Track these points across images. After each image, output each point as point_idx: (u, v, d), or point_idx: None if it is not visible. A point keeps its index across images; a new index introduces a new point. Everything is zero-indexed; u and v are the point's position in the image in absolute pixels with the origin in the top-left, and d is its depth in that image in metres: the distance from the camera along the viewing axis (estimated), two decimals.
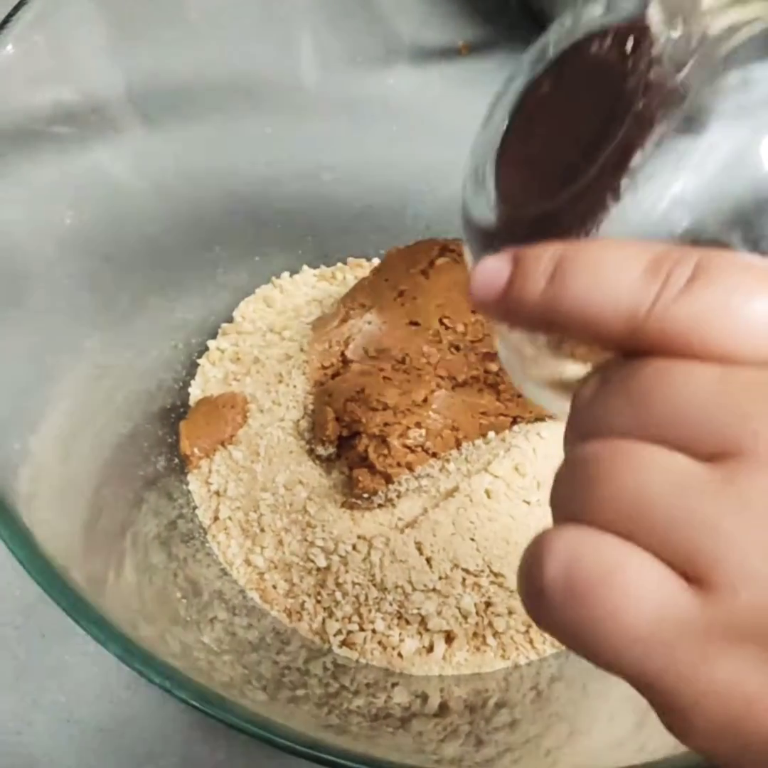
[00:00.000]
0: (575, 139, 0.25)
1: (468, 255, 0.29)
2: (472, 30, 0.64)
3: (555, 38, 0.28)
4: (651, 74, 0.24)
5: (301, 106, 0.59)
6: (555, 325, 0.21)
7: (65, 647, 0.48)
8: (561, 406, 0.28)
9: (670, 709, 0.19)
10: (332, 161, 0.59)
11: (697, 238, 0.22)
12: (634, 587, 0.18)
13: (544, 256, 0.21)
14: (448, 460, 0.45)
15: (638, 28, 0.25)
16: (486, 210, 0.28)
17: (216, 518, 0.46)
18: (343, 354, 0.46)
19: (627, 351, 0.20)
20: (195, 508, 0.47)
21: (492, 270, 0.22)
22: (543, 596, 0.19)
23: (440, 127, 0.61)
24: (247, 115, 0.58)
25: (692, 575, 0.18)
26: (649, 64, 0.24)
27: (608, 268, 0.20)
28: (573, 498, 0.20)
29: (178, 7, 0.53)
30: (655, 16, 0.25)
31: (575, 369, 0.24)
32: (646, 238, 0.22)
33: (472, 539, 0.45)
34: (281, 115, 0.58)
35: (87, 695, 0.47)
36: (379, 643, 0.44)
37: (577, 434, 0.21)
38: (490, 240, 0.27)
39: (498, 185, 0.27)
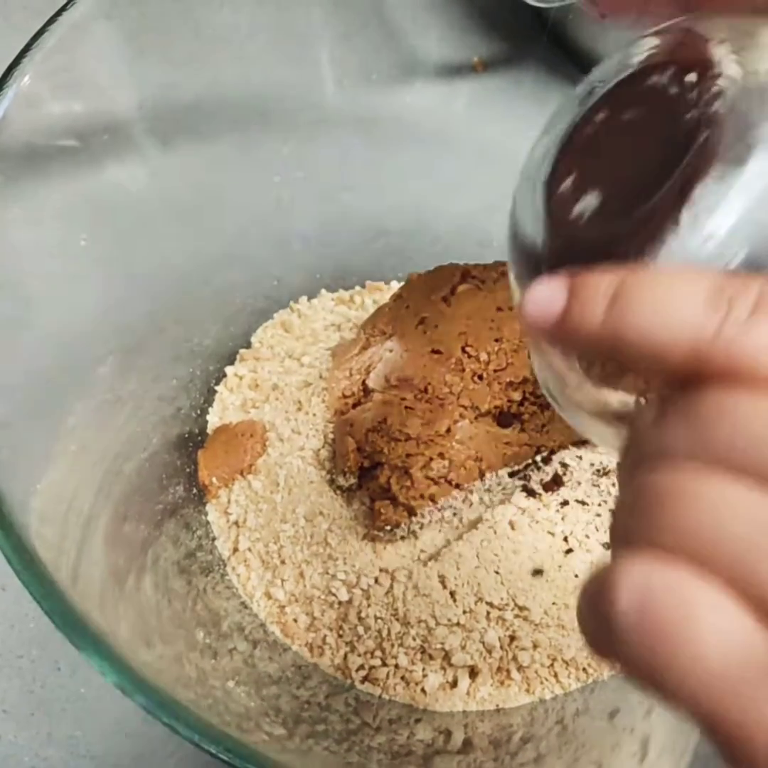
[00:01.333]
0: (632, 167, 0.25)
1: (514, 276, 0.28)
2: (488, 47, 0.63)
3: (607, 72, 0.28)
4: (714, 107, 0.23)
5: (316, 124, 0.58)
6: (614, 352, 0.21)
7: (81, 679, 0.47)
8: (601, 433, 0.27)
9: (739, 752, 0.18)
10: (349, 181, 0.59)
11: (753, 269, 0.22)
12: (711, 626, 0.18)
13: (603, 282, 0.21)
14: (471, 492, 0.45)
15: (700, 61, 0.24)
16: (536, 232, 0.27)
17: (235, 549, 0.46)
18: (364, 383, 0.46)
19: (686, 378, 0.20)
20: (214, 539, 0.47)
21: (547, 294, 0.22)
22: (611, 628, 0.18)
23: (457, 144, 0.61)
24: (262, 134, 0.57)
25: None
26: (712, 98, 0.24)
27: (670, 297, 0.20)
28: (640, 528, 0.19)
29: (192, 25, 0.53)
30: (716, 49, 0.25)
31: (622, 397, 0.24)
32: (703, 268, 0.22)
33: (497, 572, 0.44)
34: (297, 134, 0.58)
35: (103, 729, 0.46)
36: (402, 678, 0.43)
37: (637, 462, 0.20)
38: (540, 263, 0.27)
39: (550, 209, 0.27)
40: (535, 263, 0.27)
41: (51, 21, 0.42)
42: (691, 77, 0.25)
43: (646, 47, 0.27)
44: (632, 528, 0.20)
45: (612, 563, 0.19)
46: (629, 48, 0.28)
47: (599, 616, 0.19)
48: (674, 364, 0.20)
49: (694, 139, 0.23)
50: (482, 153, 0.60)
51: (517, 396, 0.45)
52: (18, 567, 0.31)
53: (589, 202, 0.26)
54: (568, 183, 0.27)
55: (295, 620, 0.44)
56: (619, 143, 0.26)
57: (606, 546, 0.46)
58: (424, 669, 0.43)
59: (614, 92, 0.27)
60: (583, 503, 0.47)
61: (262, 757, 0.30)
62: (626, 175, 0.25)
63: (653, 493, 0.19)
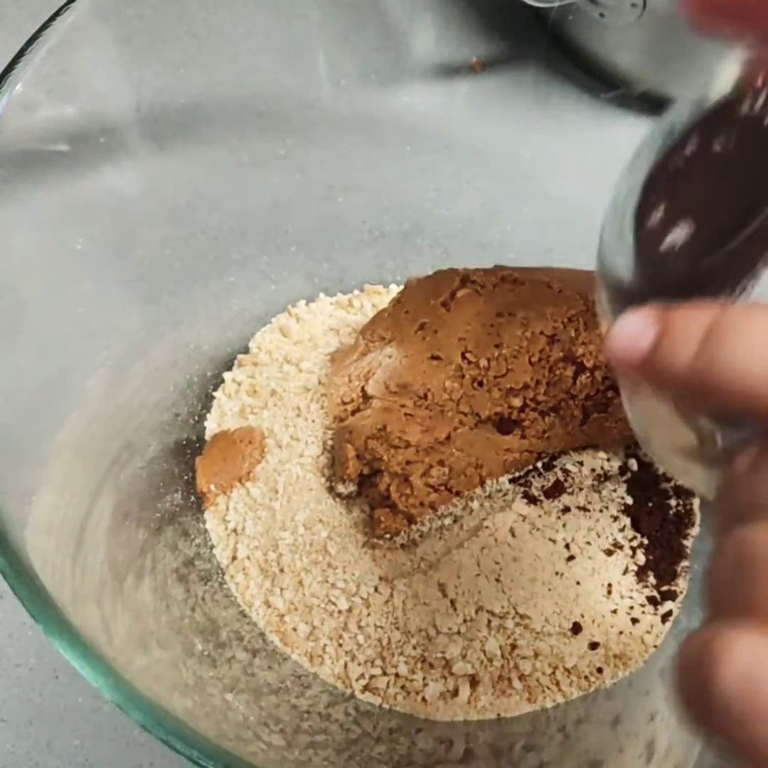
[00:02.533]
0: (724, 198, 0.25)
1: (603, 306, 0.28)
2: (486, 47, 0.63)
3: (688, 107, 0.27)
4: None
5: (314, 125, 0.58)
6: (705, 394, 0.20)
7: (79, 688, 0.47)
8: (694, 476, 0.26)
9: None
10: (346, 182, 0.58)
11: None
12: None
13: (695, 319, 0.20)
14: (471, 499, 0.44)
15: None
16: (626, 264, 0.26)
17: (234, 558, 0.45)
18: (363, 389, 0.45)
19: None
20: (212, 547, 0.46)
21: (635, 328, 0.21)
22: (712, 703, 0.18)
23: (456, 144, 0.60)
24: (259, 136, 0.57)
25: None
26: None
27: (764, 337, 0.19)
28: (741, 594, 0.18)
29: (188, 27, 0.52)
30: None
31: (715, 437, 0.23)
32: None
33: (497, 580, 0.44)
34: (294, 135, 0.57)
35: (102, 738, 0.46)
36: (403, 687, 0.43)
37: (732, 511, 0.20)
38: (629, 295, 0.26)
39: (639, 240, 0.26)
40: (625, 295, 0.26)
41: (46, 24, 0.42)
42: None
43: (730, 79, 0.26)
44: (731, 592, 0.19)
45: (715, 632, 0.18)
46: (709, 83, 0.27)
47: (699, 686, 0.18)
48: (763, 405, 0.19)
49: None
50: (481, 153, 0.60)
51: (517, 402, 0.44)
52: (14, 582, 0.31)
53: (679, 234, 0.25)
54: (657, 214, 0.26)
55: (295, 629, 0.43)
56: (709, 174, 0.26)
57: (607, 553, 0.46)
58: (424, 678, 0.43)
59: (703, 123, 0.26)
60: (584, 510, 0.47)
61: None
62: (718, 207, 0.25)
63: (752, 556, 0.18)
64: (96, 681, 0.30)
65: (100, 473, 0.44)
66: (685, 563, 0.47)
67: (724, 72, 0.26)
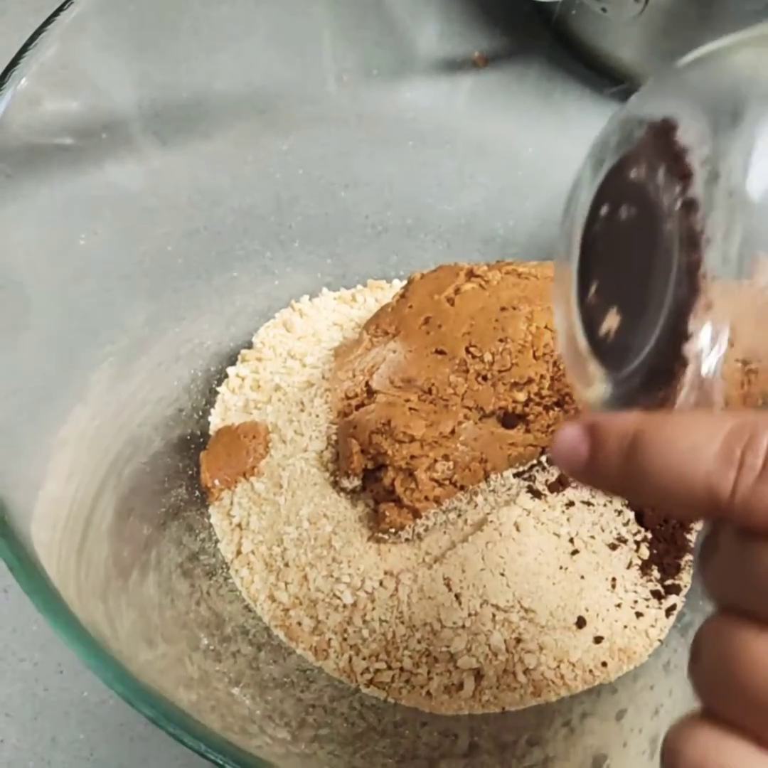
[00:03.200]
0: (636, 276, 0.25)
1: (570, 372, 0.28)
2: (489, 41, 0.63)
3: (607, 141, 0.27)
4: (686, 222, 0.23)
5: (317, 121, 0.58)
6: (636, 498, 0.22)
7: (84, 683, 0.47)
8: None
9: None
10: (348, 178, 0.58)
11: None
12: None
13: (618, 430, 0.21)
14: (476, 493, 0.44)
15: (672, 152, 0.23)
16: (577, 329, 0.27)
17: (239, 552, 0.45)
18: (367, 384, 0.45)
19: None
20: (217, 541, 0.46)
21: (571, 439, 0.22)
22: None
23: (459, 139, 0.60)
24: (262, 132, 0.57)
25: None
26: (685, 209, 0.23)
27: (682, 451, 0.20)
28: (707, 686, 0.20)
29: (191, 22, 0.52)
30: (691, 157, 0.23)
31: None
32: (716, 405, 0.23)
33: (502, 574, 0.44)
34: (297, 131, 0.57)
35: (106, 732, 0.46)
36: (407, 681, 0.43)
37: (708, 598, 0.21)
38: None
39: (583, 317, 0.27)
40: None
41: (49, 20, 0.42)
42: (662, 176, 0.24)
43: (633, 124, 0.26)
44: (704, 685, 0.20)
45: (680, 728, 0.20)
46: (622, 115, 0.27)
47: None
48: (697, 513, 0.21)
49: (672, 259, 0.23)
50: (484, 148, 0.60)
51: (521, 397, 0.44)
52: (20, 576, 0.31)
53: (610, 320, 0.26)
54: (592, 292, 0.26)
55: (300, 623, 0.43)
56: (621, 246, 0.26)
57: (611, 547, 0.46)
58: (429, 672, 0.43)
59: (609, 183, 0.26)
60: (588, 504, 0.47)
61: (267, 766, 0.30)
62: (633, 288, 0.25)
63: (711, 651, 0.20)
64: (104, 675, 0.30)
65: (104, 468, 0.44)
66: (688, 557, 0.47)
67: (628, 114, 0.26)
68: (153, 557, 0.44)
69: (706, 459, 0.20)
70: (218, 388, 0.51)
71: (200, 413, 0.50)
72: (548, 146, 0.59)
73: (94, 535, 0.41)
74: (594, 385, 0.26)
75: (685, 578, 0.47)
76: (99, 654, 0.30)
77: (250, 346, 0.52)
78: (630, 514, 0.47)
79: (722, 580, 0.20)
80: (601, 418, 0.22)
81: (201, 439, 0.49)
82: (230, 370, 0.51)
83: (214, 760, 0.30)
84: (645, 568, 0.46)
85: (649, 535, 0.47)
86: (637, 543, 0.47)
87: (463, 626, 0.43)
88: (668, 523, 0.48)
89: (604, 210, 0.26)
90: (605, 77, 0.59)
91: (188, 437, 0.49)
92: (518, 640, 0.43)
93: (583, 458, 0.22)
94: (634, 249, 0.25)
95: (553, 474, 0.47)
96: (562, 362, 0.44)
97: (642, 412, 0.22)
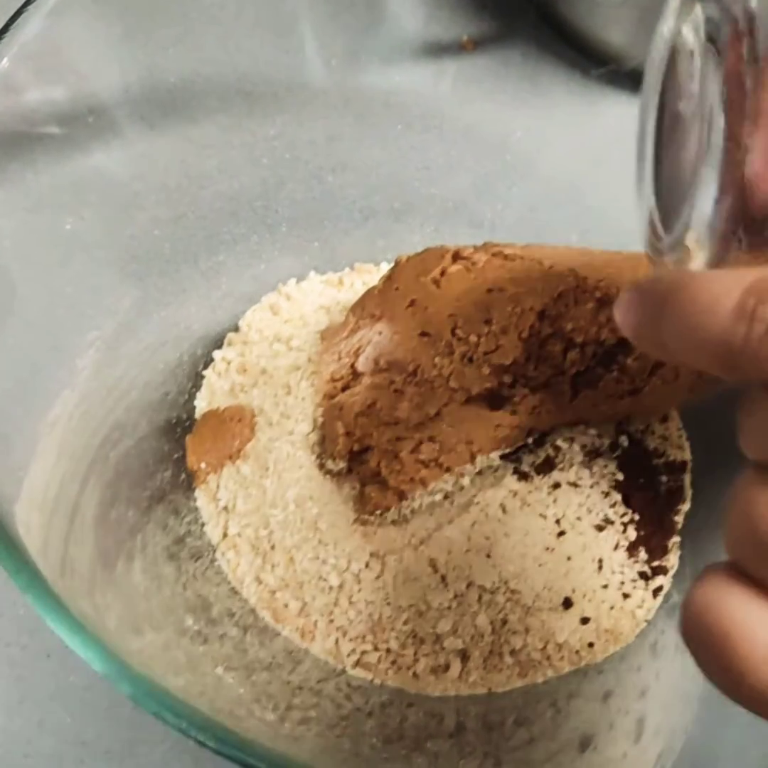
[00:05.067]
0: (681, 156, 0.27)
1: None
2: (477, 25, 0.63)
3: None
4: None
5: (304, 105, 0.58)
6: (671, 357, 0.23)
7: (70, 667, 0.47)
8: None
9: None
10: (336, 162, 0.58)
11: None
12: (752, 645, 0.19)
13: (654, 290, 0.22)
14: (462, 475, 0.44)
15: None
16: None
17: (225, 535, 0.45)
18: (353, 366, 0.45)
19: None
20: (203, 524, 0.46)
21: (625, 305, 0.24)
22: (686, 641, 0.21)
23: (446, 123, 0.60)
24: (249, 116, 0.56)
25: None
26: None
27: (702, 307, 0.21)
28: (734, 539, 0.21)
29: (177, 6, 0.52)
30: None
31: None
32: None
33: (488, 555, 0.44)
34: (284, 115, 0.57)
35: (94, 716, 0.46)
36: (394, 662, 0.43)
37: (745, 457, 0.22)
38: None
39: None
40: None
41: (29, 1, 0.42)
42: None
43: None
44: (731, 540, 0.21)
45: (704, 571, 0.21)
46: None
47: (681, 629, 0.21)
48: (717, 370, 0.21)
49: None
50: (472, 132, 0.60)
51: (507, 378, 0.44)
52: (2, 555, 0.31)
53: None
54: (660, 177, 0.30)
55: (286, 605, 0.43)
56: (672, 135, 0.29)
57: (598, 528, 0.46)
58: (415, 653, 0.43)
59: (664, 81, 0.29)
60: (574, 485, 0.47)
61: (251, 745, 0.30)
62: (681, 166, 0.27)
63: (744, 509, 0.21)
64: (85, 653, 0.30)
65: (91, 452, 0.44)
66: (675, 539, 0.47)
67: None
68: (138, 542, 0.44)
69: (722, 314, 0.20)
70: (204, 372, 0.51)
71: (186, 397, 0.50)
72: (536, 130, 0.59)
73: (81, 521, 0.41)
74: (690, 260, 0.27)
75: (672, 560, 0.47)
76: (79, 631, 0.30)
77: (236, 329, 0.52)
78: (617, 496, 0.47)
79: (754, 437, 0.21)
80: (645, 281, 0.23)
81: (187, 423, 0.49)
82: (216, 354, 0.51)
83: (195, 739, 0.30)
84: (632, 549, 0.46)
85: (637, 517, 0.47)
86: (624, 525, 0.47)
87: (449, 607, 0.43)
88: (655, 504, 0.48)
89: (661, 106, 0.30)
90: (593, 60, 0.59)
91: (174, 421, 0.49)
92: (504, 621, 0.43)
93: (632, 320, 0.23)
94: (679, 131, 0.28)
95: (540, 456, 0.47)
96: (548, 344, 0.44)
97: (677, 271, 0.23)
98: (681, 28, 0.28)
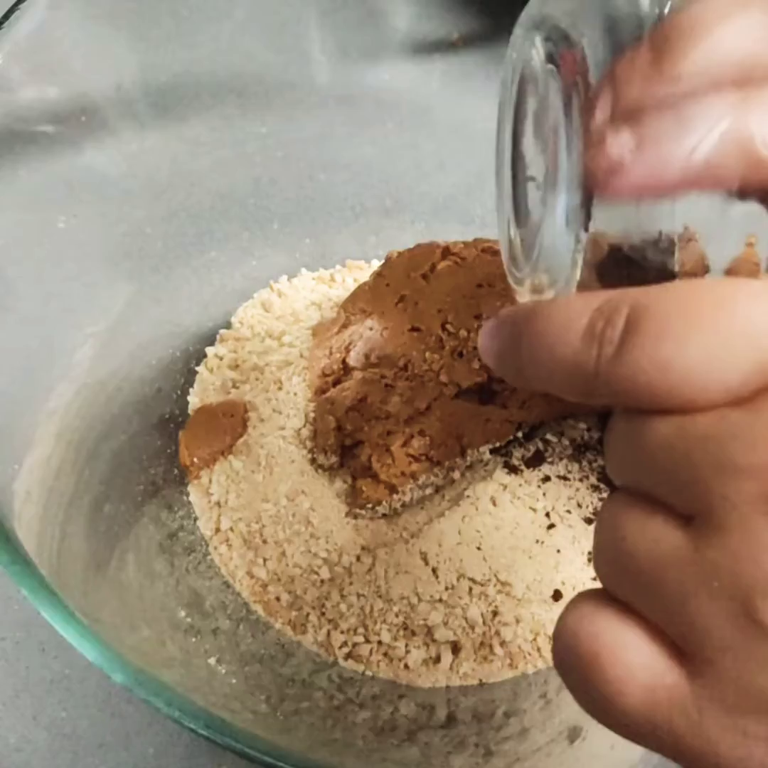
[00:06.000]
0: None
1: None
2: (467, 23, 0.63)
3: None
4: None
5: (295, 103, 0.58)
6: (531, 385, 0.22)
7: (65, 661, 0.47)
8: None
9: None
10: (327, 160, 0.59)
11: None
12: (621, 668, 0.19)
13: (509, 320, 0.22)
14: (452, 469, 0.45)
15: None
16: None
17: (217, 530, 0.46)
18: (344, 361, 0.46)
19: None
20: (196, 519, 0.46)
21: (485, 333, 0.24)
22: (557, 665, 0.20)
23: (437, 121, 0.61)
24: (240, 114, 0.57)
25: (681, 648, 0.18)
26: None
27: (554, 333, 0.21)
28: (600, 563, 0.21)
29: (168, 5, 0.52)
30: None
31: None
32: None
33: (478, 548, 0.44)
34: (275, 113, 0.57)
35: (88, 710, 0.46)
36: (385, 654, 0.43)
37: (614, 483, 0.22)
38: None
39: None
40: None
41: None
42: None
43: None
44: (598, 565, 0.21)
45: (577, 597, 0.21)
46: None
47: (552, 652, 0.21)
48: (578, 395, 0.21)
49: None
50: (462, 130, 0.60)
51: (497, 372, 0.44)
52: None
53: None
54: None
55: (278, 599, 0.44)
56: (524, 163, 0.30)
57: (587, 521, 0.46)
58: (406, 645, 0.43)
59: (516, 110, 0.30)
60: (564, 479, 0.47)
61: (243, 732, 0.31)
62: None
63: (608, 535, 0.20)
64: (78, 642, 0.30)
65: (86, 446, 0.44)
66: None
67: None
68: (131, 539, 0.44)
69: (573, 338, 0.20)
70: (197, 368, 0.51)
71: (179, 393, 0.50)
72: None
73: (75, 514, 0.41)
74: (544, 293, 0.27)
75: None
76: (71, 620, 0.30)
77: (228, 326, 0.53)
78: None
79: (617, 462, 0.21)
80: (504, 310, 0.23)
81: (180, 419, 0.49)
82: (209, 350, 0.51)
83: (188, 727, 0.30)
84: None
85: None
86: None
87: (440, 599, 0.43)
88: None
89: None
90: None
91: (167, 416, 0.49)
92: (495, 613, 0.44)
93: (492, 349, 0.23)
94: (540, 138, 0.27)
95: (529, 450, 0.47)
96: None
97: (531, 302, 0.23)
98: (530, 54, 0.27)
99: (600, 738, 0.41)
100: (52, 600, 0.31)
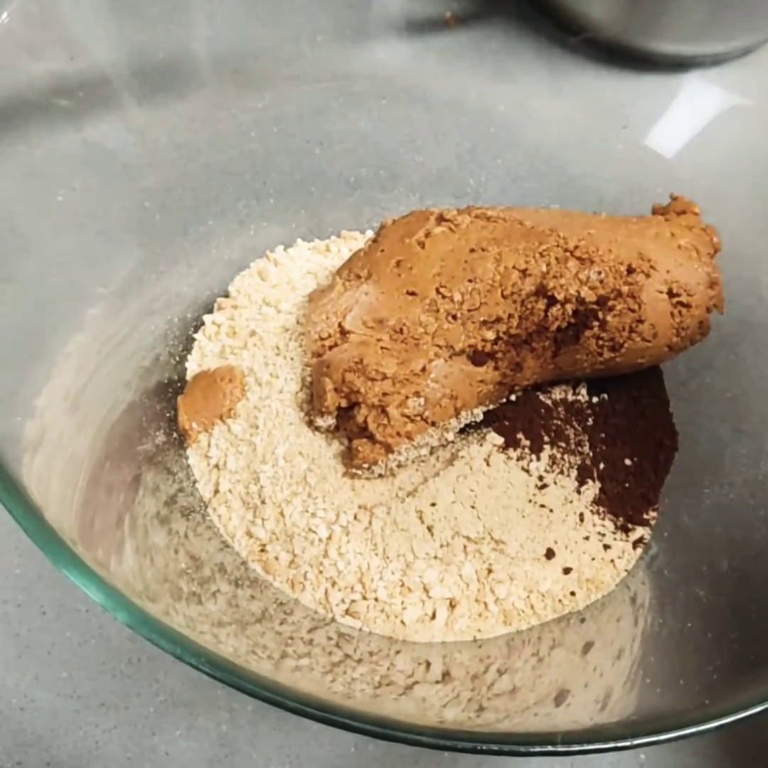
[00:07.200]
0: None
1: None
2: (459, 2, 0.64)
3: None
4: None
5: (290, 80, 0.59)
6: None
7: (67, 623, 0.48)
8: None
9: None
10: (323, 135, 0.59)
11: None
12: None
13: None
14: (447, 429, 0.45)
15: None
16: None
17: (216, 491, 0.46)
18: (340, 325, 0.46)
19: None
20: (195, 482, 0.47)
21: None
22: None
23: (430, 97, 0.61)
24: (237, 91, 0.57)
25: None
26: None
27: None
28: None
29: None
30: None
31: None
32: None
33: (473, 507, 0.45)
34: (272, 90, 0.58)
35: (89, 671, 0.47)
36: (382, 611, 0.44)
37: None
38: None
39: None
40: None
41: None
42: None
43: None
44: None
45: None
46: None
47: None
48: None
49: None
50: (455, 106, 0.61)
51: (490, 335, 0.45)
52: (3, 494, 0.32)
53: None
54: None
55: (277, 558, 0.44)
56: None
57: (579, 482, 0.47)
58: (403, 602, 0.44)
59: None
60: (556, 441, 0.48)
61: (244, 669, 0.31)
62: None
63: None
64: (81, 582, 0.31)
65: (86, 417, 0.45)
66: (656, 493, 0.48)
67: None
68: (126, 525, 0.44)
69: None
70: (195, 335, 0.52)
71: (177, 359, 0.51)
72: (518, 103, 0.61)
73: (76, 479, 0.42)
74: None
75: (652, 512, 0.48)
76: (77, 563, 0.31)
77: (226, 294, 0.53)
78: (600, 451, 0.48)
79: None
80: None
81: (178, 384, 0.50)
82: (207, 318, 0.52)
83: (190, 663, 0.31)
84: (613, 502, 0.47)
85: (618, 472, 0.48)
86: (604, 479, 0.48)
87: (436, 557, 0.44)
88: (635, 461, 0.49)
89: None
90: (572, 33, 0.60)
91: (166, 382, 0.50)
92: (489, 571, 0.44)
93: None
94: None
95: (521, 412, 0.48)
96: (530, 301, 0.45)
97: None
98: None
99: (582, 709, 0.42)
100: (57, 542, 0.31)
